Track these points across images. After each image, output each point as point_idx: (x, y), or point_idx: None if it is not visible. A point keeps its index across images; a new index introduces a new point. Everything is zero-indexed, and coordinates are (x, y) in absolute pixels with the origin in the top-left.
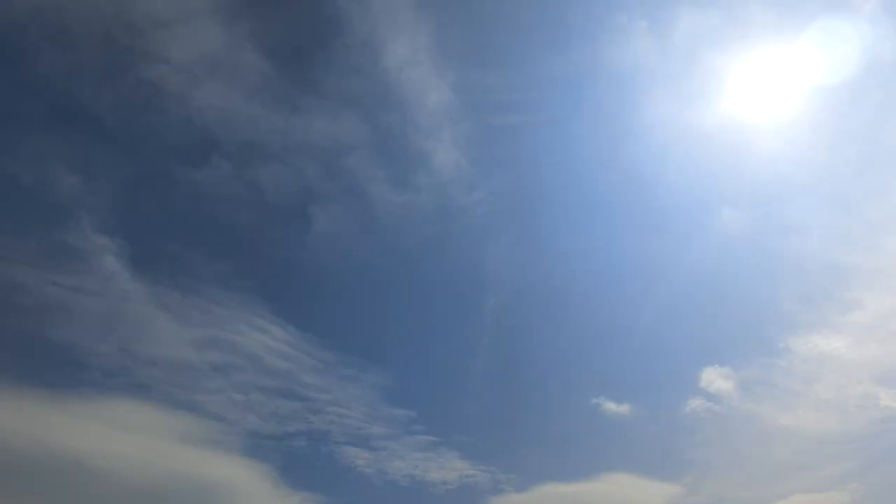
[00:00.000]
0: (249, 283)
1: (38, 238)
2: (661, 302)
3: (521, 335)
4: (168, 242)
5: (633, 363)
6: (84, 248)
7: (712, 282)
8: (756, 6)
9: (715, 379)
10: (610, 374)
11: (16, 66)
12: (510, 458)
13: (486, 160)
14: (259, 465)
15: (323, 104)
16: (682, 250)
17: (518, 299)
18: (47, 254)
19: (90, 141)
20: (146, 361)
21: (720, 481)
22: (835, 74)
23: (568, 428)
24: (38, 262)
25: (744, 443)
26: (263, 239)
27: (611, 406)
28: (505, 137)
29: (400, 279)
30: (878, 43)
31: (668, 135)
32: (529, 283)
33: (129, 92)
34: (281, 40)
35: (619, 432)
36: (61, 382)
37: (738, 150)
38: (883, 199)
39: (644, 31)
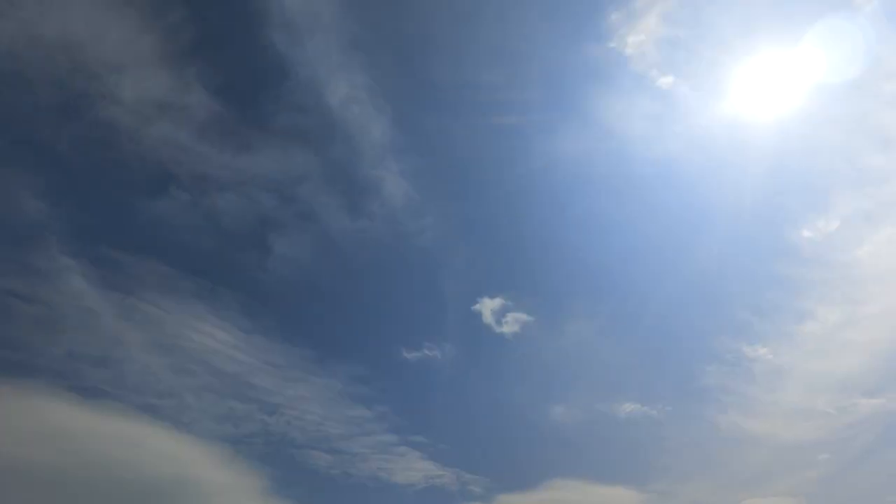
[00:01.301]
0: (203, 292)
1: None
2: (613, 313)
3: (471, 347)
4: (131, 260)
5: (592, 373)
6: (49, 266)
7: (666, 292)
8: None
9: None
10: (573, 381)
11: None
12: (475, 461)
13: (432, 188)
14: (217, 466)
15: (272, 139)
16: (632, 264)
17: (467, 316)
18: (14, 270)
19: (51, 173)
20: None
21: (687, 488)
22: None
23: (530, 434)
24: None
25: (711, 450)
26: (223, 261)
27: (574, 413)
28: (448, 167)
29: (357, 294)
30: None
31: (612, 154)
32: (478, 297)
33: (84, 131)
34: (227, 83)
35: (584, 439)
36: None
37: (686, 168)
38: (827, 214)
39: (580, 52)
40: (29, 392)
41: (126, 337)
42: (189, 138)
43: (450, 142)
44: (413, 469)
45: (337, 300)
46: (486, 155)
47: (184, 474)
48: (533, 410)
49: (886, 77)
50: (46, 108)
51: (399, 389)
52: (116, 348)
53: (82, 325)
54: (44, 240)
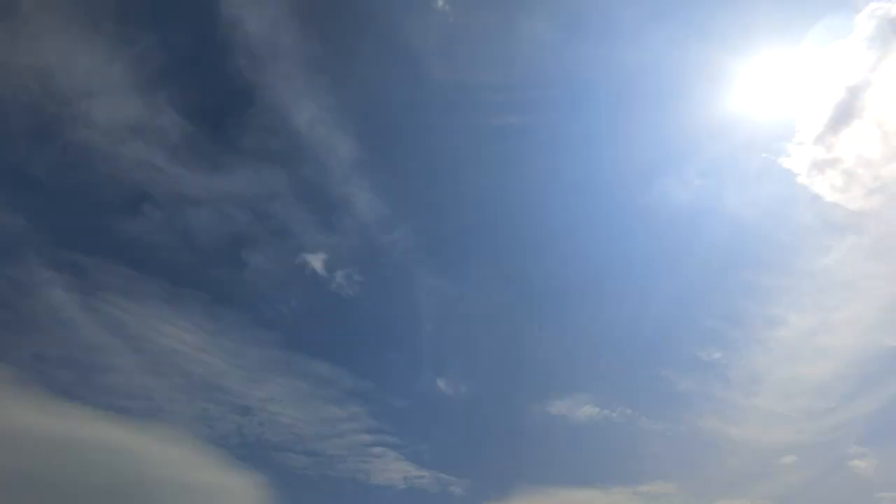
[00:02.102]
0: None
1: None
2: (587, 318)
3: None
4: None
5: (570, 378)
6: (30, 280)
7: (638, 301)
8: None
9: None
10: (547, 385)
11: None
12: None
13: (401, 202)
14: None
15: (243, 160)
16: (605, 273)
17: (441, 323)
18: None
19: (27, 193)
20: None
21: (669, 490)
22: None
23: (515, 437)
24: None
25: (693, 454)
26: (199, 275)
27: (553, 417)
28: (415, 181)
29: (333, 308)
30: None
31: (577, 161)
32: (449, 305)
33: (59, 153)
34: (198, 107)
35: (566, 444)
36: None
37: (652, 177)
38: (789, 223)
39: (535, 73)
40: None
41: (98, 339)
42: (162, 159)
43: (415, 157)
44: (391, 469)
45: (319, 308)
46: (451, 168)
47: (158, 475)
48: (511, 412)
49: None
50: (21, 132)
51: (375, 392)
52: (90, 351)
53: (55, 328)
54: (21, 253)
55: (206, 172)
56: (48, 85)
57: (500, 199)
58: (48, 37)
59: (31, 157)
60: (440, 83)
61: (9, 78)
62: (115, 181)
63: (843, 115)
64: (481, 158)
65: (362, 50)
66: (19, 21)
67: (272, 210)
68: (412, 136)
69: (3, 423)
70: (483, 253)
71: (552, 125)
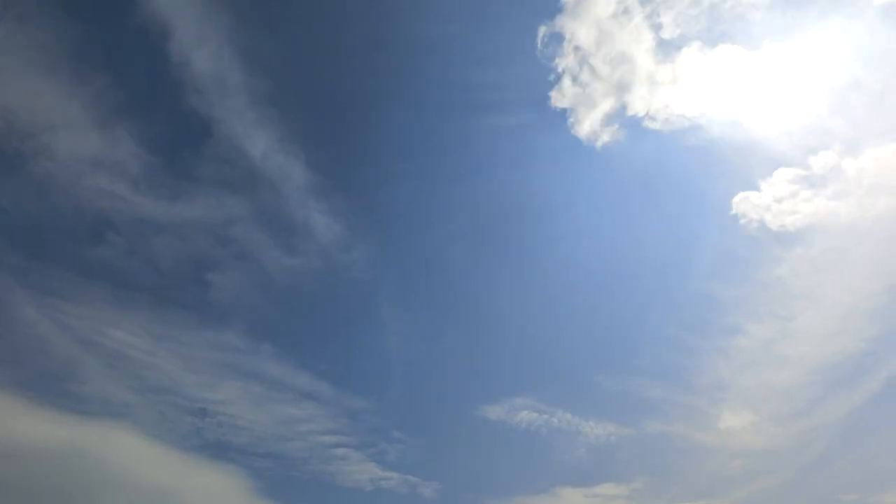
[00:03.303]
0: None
1: None
2: (550, 329)
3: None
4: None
5: (535, 385)
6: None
7: (597, 311)
8: None
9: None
10: (521, 390)
11: None
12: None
13: (358, 224)
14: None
15: (202, 188)
16: (565, 287)
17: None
18: None
19: None
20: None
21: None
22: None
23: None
24: None
25: (656, 459)
26: (164, 296)
27: (523, 420)
28: (371, 203)
29: (299, 326)
30: None
31: (521, 176)
32: (412, 318)
33: (20, 186)
34: (155, 140)
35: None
36: None
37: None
38: (742, 232)
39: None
40: None
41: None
42: (123, 189)
43: (367, 180)
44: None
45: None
46: (402, 190)
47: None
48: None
49: None
50: None
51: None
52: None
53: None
54: None
55: (166, 201)
56: (11, 121)
57: (446, 216)
58: (9, 76)
59: None
60: (384, 110)
61: None
62: (78, 210)
63: None
64: (429, 176)
65: (308, 83)
66: None
67: (233, 234)
68: (362, 159)
69: None
70: (434, 266)
71: (505, 138)
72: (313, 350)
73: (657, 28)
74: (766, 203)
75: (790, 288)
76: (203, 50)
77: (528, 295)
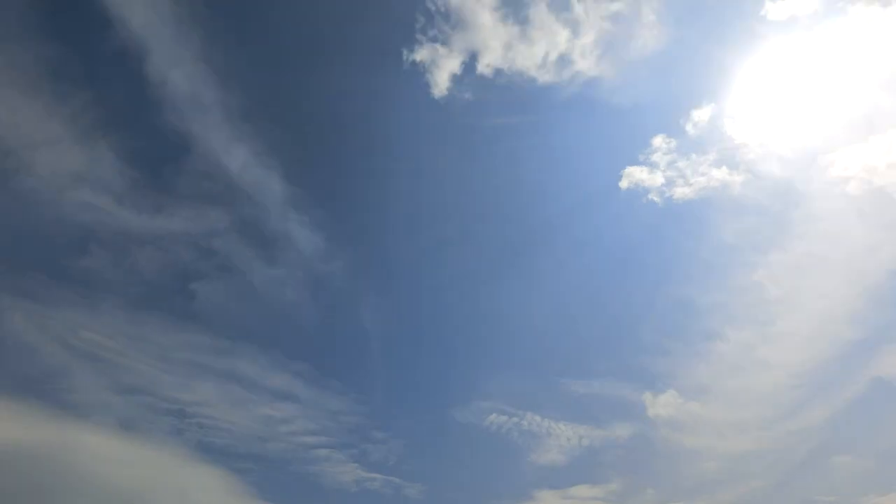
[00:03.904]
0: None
1: None
2: (527, 339)
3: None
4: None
5: (518, 391)
6: None
7: (576, 318)
8: None
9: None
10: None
11: None
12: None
13: (338, 236)
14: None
15: (183, 202)
16: (544, 296)
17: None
18: None
19: None
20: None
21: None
22: None
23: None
24: None
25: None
26: (147, 304)
27: (493, 422)
28: (349, 216)
29: (281, 331)
30: None
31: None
32: (391, 324)
33: (4, 201)
34: (136, 156)
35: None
36: None
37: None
38: (718, 242)
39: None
40: None
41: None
42: (107, 203)
43: (346, 192)
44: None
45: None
46: (382, 201)
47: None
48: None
49: None
50: None
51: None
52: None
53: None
54: None
55: (149, 213)
56: None
57: (414, 221)
58: None
59: None
60: (359, 122)
61: None
62: (61, 222)
63: None
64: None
65: (282, 99)
66: None
67: (214, 245)
68: (338, 172)
69: None
70: (408, 269)
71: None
72: (294, 353)
73: None
74: None
75: (767, 293)
76: (179, 69)
77: (501, 298)
